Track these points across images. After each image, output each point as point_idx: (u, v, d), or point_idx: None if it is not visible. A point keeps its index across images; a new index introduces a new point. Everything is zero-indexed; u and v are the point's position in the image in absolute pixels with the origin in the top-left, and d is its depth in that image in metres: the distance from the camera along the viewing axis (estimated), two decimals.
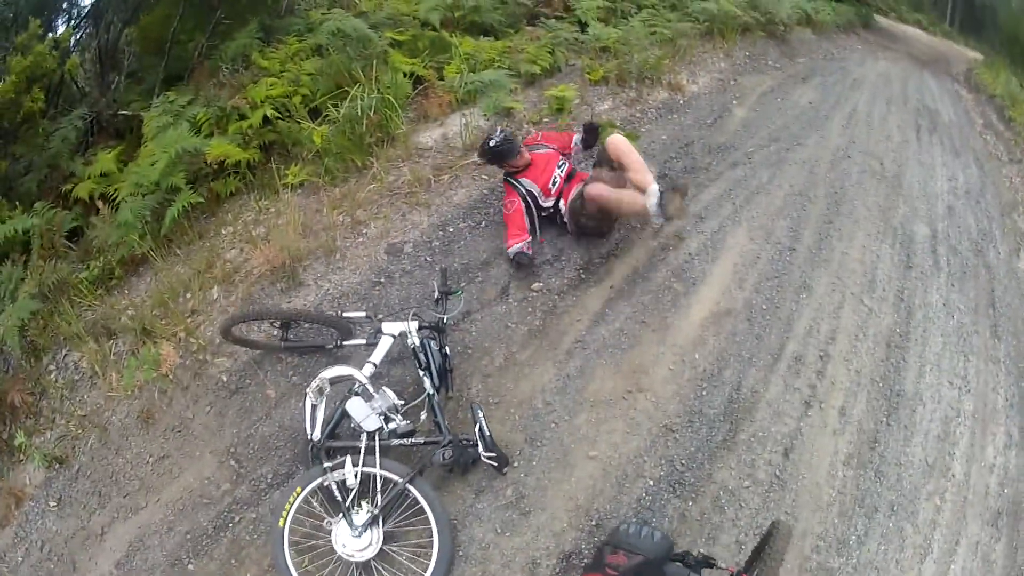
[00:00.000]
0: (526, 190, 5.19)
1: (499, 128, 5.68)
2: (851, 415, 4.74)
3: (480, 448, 3.87)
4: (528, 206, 5.18)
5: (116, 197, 5.55)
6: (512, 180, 5.26)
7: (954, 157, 8.50)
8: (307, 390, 3.96)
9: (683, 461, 4.22)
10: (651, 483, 4.11)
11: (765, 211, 6.13)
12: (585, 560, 3.76)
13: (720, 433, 4.40)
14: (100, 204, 5.47)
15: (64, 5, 7.42)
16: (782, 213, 6.17)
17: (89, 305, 5.27)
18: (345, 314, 4.47)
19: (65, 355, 5.10)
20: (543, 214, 5.31)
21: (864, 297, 5.60)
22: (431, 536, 3.64)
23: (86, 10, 7.55)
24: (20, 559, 4.35)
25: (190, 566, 4.03)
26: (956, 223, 7.09)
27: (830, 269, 5.73)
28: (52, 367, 5.09)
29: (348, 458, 3.76)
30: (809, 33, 10.68)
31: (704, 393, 4.58)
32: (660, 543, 3.00)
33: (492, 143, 5.18)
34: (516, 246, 5.00)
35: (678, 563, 3.05)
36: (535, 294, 5.10)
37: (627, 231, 5.60)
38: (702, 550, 2.88)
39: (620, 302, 5.07)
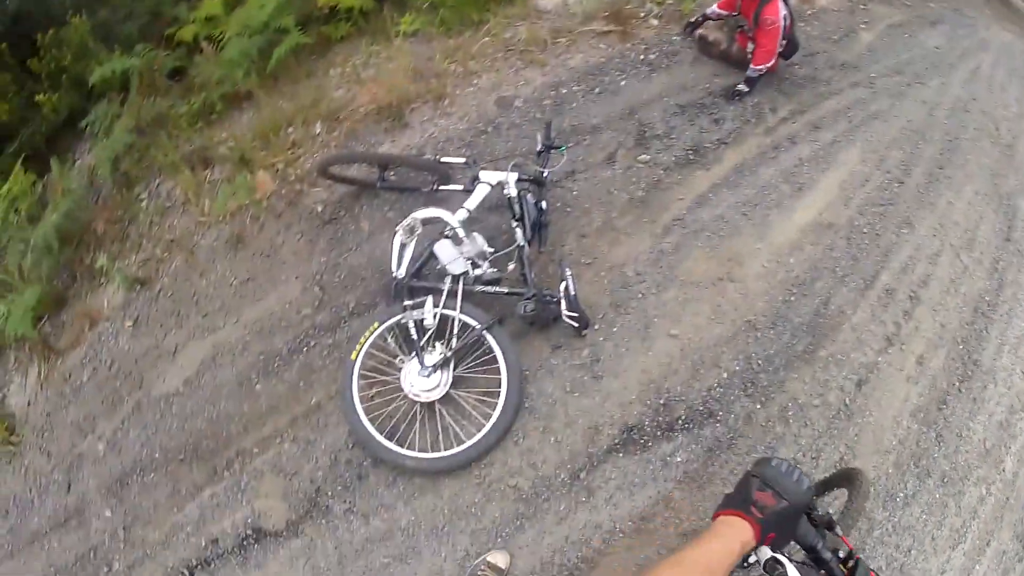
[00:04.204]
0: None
1: None
2: (928, 367, 4.46)
3: (563, 306, 3.73)
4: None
5: (221, 39, 5.40)
6: None
7: None
8: (397, 227, 3.88)
9: (760, 361, 4.01)
10: (725, 376, 3.92)
11: (880, 137, 5.72)
12: (644, 437, 3.64)
13: (801, 343, 4.16)
14: (204, 45, 5.41)
15: None
16: (896, 144, 5.76)
17: (188, 138, 5.24)
18: (444, 159, 4.31)
19: (158, 184, 5.13)
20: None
21: (962, 253, 5.23)
22: (499, 386, 3.56)
23: None
24: (86, 378, 4.45)
25: (258, 386, 4.10)
26: None
27: (935, 213, 5.36)
28: (144, 196, 5.12)
29: (429, 298, 3.68)
30: None
31: (793, 299, 4.33)
32: (806, 493, 2.76)
33: None
34: (763, 66, 5.34)
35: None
36: (641, 165, 4.85)
37: (742, 124, 5.27)
38: (829, 511, 2.81)
39: (725, 189, 4.79)
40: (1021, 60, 9.59)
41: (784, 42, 5.45)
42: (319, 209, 4.66)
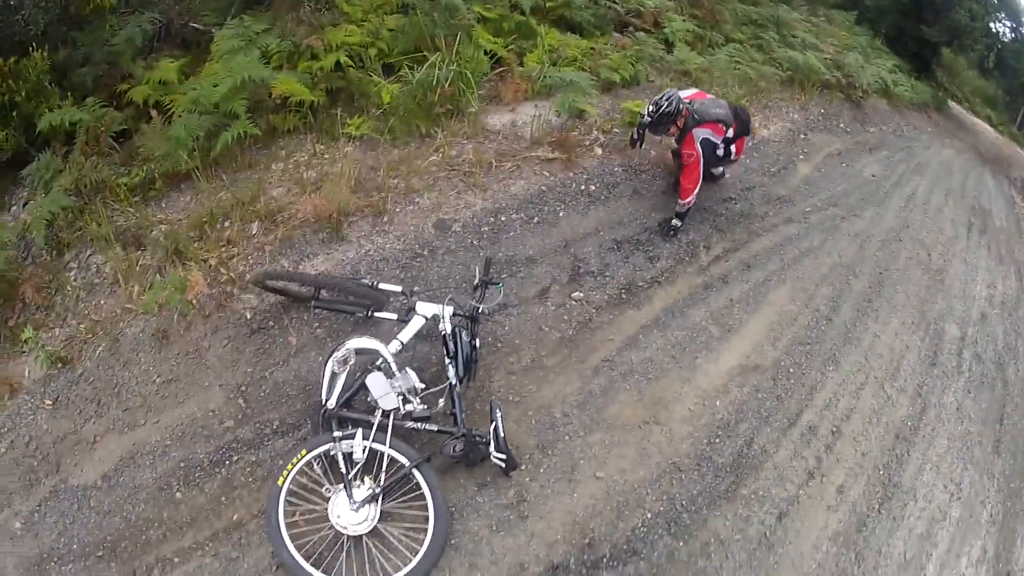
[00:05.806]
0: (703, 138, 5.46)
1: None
2: (848, 495, 4.73)
3: (492, 447, 3.85)
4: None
5: (171, 108, 5.45)
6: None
7: (997, 264, 8.41)
8: (330, 357, 3.94)
9: (683, 502, 4.24)
10: (649, 516, 4.13)
11: (811, 275, 6.11)
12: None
13: (724, 483, 4.41)
14: (153, 113, 5.34)
15: None
16: (826, 281, 6.16)
17: (123, 211, 5.16)
18: (381, 286, 4.41)
19: (89, 256, 5.01)
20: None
21: (886, 384, 5.58)
22: (426, 523, 3.64)
23: None
24: (3, 450, 4.32)
25: (178, 494, 4.02)
26: (986, 331, 7.01)
27: (860, 348, 5.71)
28: (73, 265, 5.00)
29: (359, 431, 3.77)
30: (884, 104, 10.55)
31: (717, 441, 4.60)
32: None
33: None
34: (687, 200, 5.53)
35: None
36: (574, 303, 5.10)
37: (675, 263, 5.61)
38: None
39: (655, 331, 5.07)
40: (959, 176, 10.20)
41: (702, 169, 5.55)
42: (248, 316, 4.61)
